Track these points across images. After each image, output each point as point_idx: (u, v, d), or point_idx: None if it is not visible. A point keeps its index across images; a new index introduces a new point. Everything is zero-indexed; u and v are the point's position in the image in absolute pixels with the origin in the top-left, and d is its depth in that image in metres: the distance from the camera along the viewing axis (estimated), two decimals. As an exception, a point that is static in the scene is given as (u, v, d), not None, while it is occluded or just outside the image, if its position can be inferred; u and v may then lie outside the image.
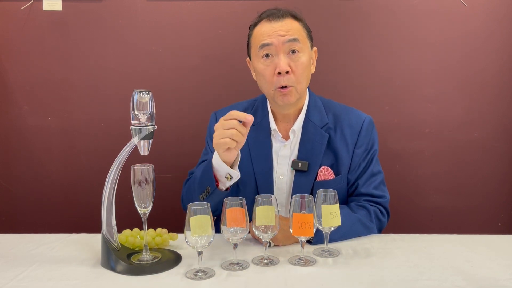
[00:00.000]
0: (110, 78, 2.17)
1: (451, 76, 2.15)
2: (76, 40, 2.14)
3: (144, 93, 1.21)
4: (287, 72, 1.44)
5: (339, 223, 1.29)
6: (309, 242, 1.38)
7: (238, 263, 1.24)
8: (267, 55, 1.47)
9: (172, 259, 1.28)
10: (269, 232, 1.24)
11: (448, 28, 2.11)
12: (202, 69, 2.16)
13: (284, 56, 1.44)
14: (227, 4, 2.11)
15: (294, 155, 1.56)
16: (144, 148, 1.25)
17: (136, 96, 1.21)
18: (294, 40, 1.44)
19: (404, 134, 2.19)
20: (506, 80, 2.14)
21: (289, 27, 1.45)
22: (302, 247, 1.28)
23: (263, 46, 1.45)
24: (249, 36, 1.54)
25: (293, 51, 1.45)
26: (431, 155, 2.20)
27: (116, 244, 1.27)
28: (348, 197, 1.58)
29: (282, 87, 1.46)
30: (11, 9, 2.11)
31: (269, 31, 1.45)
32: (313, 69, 1.56)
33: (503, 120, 2.17)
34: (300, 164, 1.52)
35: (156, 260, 1.26)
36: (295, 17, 1.49)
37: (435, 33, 2.11)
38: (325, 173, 1.53)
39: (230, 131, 1.31)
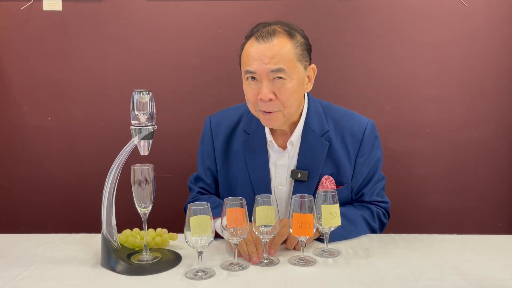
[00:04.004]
0: (110, 78, 2.17)
1: (451, 76, 2.15)
2: (76, 40, 2.14)
3: (144, 93, 1.22)
4: (270, 99, 1.37)
5: (339, 223, 1.30)
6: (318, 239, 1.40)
7: (238, 263, 1.24)
8: (252, 77, 1.40)
9: (172, 259, 1.28)
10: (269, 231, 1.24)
11: (448, 29, 2.11)
12: (202, 69, 2.16)
13: (268, 83, 1.36)
14: (227, 4, 2.11)
15: (293, 165, 1.51)
16: (144, 148, 1.25)
17: (136, 96, 1.21)
18: (278, 70, 1.34)
19: (404, 134, 2.19)
20: (506, 80, 2.14)
21: (274, 52, 1.34)
22: (302, 247, 1.28)
23: (247, 72, 1.39)
24: (241, 49, 1.45)
25: (279, 77, 1.36)
26: (431, 155, 2.20)
27: (116, 244, 1.27)
28: (351, 202, 1.57)
29: (266, 112, 1.41)
30: (11, 9, 2.11)
31: (255, 55, 1.36)
32: (309, 88, 1.48)
33: (503, 120, 2.17)
34: (299, 174, 1.48)
35: (156, 260, 1.26)
36: (289, 34, 1.38)
37: (435, 33, 2.11)
38: (329, 183, 1.49)
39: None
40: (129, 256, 1.28)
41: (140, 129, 1.22)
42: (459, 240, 1.43)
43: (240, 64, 1.47)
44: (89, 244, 1.41)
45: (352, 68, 2.15)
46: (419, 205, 2.23)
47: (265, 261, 1.26)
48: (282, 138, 1.53)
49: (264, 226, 1.23)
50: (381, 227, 1.54)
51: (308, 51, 1.44)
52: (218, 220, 1.34)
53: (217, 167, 1.60)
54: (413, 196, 2.23)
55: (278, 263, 1.26)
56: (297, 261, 1.26)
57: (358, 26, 2.12)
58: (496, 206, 2.23)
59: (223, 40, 2.12)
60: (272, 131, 1.54)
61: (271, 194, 1.51)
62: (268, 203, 1.23)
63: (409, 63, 2.14)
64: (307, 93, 1.56)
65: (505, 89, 2.15)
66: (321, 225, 1.29)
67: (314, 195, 1.41)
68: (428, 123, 2.18)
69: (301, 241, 1.27)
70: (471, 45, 2.12)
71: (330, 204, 1.28)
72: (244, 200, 1.21)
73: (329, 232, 1.32)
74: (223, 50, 2.12)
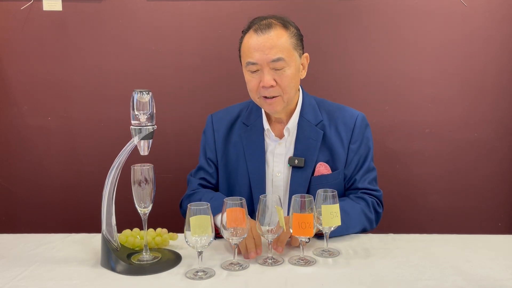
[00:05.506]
0: (110, 78, 2.17)
1: (451, 76, 2.15)
2: (76, 40, 2.14)
3: (144, 93, 1.22)
4: (272, 86, 1.47)
5: (339, 223, 1.30)
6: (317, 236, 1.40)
7: (238, 263, 1.24)
8: (253, 69, 1.50)
9: (172, 259, 1.28)
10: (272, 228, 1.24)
11: (448, 28, 2.11)
12: (202, 69, 2.16)
13: (269, 71, 1.47)
14: (227, 4, 2.11)
15: (290, 153, 1.59)
16: (144, 148, 1.25)
17: (136, 96, 1.21)
18: (278, 59, 1.45)
19: (404, 134, 2.19)
20: (506, 80, 2.14)
21: (273, 43, 1.45)
22: (303, 246, 1.28)
23: (249, 63, 1.48)
24: (240, 42, 1.55)
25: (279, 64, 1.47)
26: (431, 155, 2.20)
27: (116, 244, 1.27)
28: (345, 191, 1.62)
29: (268, 97, 1.50)
30: (11, 9, 2.11)
31: (255, 46, 1.46)
32: (303, 75, 1.57)
33: (503, 120, 2.17)
34: (296, 161, 1.56)
35: (156, 260, 1.26)
36: (284, 26, 1.49)
37: (435, 33, 2.11)
38: (323, 167, 1.57)
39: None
40: (129, 256, 1.28)
41: (140, 129, 1.22)
42: (459, 240, 1.43)
43: (240, 56, 1.55)
44: (89, 244, 1.41)
45: (352, 68, 2.15)
46: (419, 205, 2.23)
47: (269, 260, 1.26)
48: (279, 127, 1.61)
49: (268, 225, 1.23)
50: (376, 217, 1.57)
51: (301, 41, 1.55)
52: (219, 216, 1.38)
53: (217, 158, 1.67)
54: (413, 196, 2.23)
55: (282, 262, 1.26)
56: (297, 261, 1.26)
57: (358, 26, 2.12)
58: (496, 206, 2.23)
59: (223, 40, 2.12)
60: (269, 120, 1.62)
61: (265, 181, 1.59)
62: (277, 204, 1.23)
63: (409, 63, 2.14)
64: (302, 88, 1.64)
65: (505, 89, 2.15)
66: (321, 224, 1.29)
67: (310, 182, 1.55)
68: (428, 123, 2.18)
69: (301, 240, 1.27)
70: (471, 45, 2.12)
71: (330, 204, 1.28)
72: (244, 200, 1.21)
73: (329, 232, 1.32)
74: (223, 50, 2.12)
